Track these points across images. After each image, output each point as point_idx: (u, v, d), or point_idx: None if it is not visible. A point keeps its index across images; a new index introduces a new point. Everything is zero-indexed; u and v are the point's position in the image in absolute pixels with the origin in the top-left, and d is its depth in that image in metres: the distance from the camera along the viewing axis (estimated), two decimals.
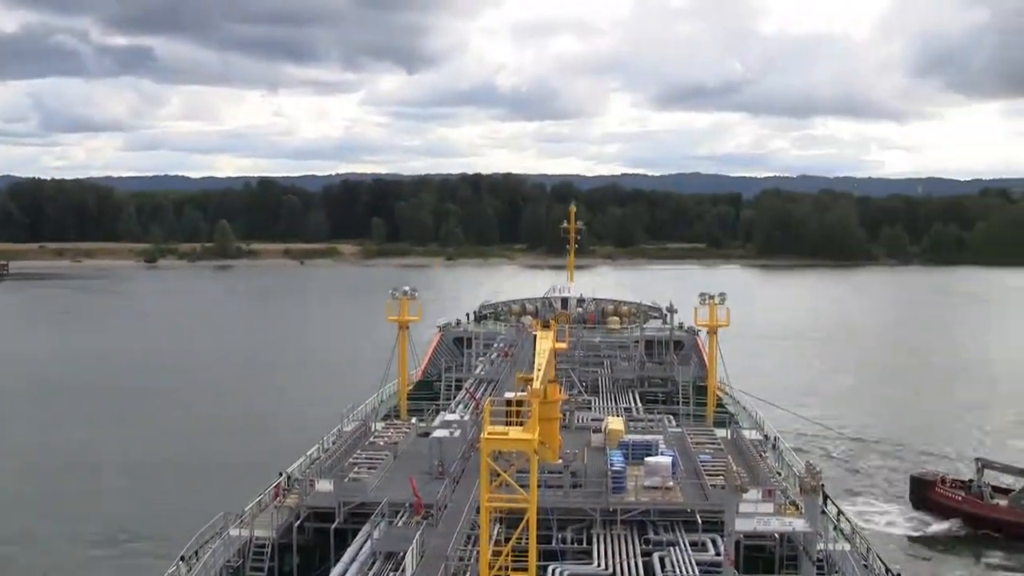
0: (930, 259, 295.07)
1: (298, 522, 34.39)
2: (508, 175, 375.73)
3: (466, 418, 47.72)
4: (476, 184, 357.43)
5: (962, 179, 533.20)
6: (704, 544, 32.41)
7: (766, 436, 48.63)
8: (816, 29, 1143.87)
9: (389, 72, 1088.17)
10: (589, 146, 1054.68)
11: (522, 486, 26.40)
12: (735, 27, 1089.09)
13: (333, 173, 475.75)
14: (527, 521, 26.27)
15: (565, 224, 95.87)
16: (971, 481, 56.67)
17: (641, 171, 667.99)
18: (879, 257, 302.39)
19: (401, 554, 29.80)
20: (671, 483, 36.45)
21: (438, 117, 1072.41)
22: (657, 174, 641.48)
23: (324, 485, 35.73)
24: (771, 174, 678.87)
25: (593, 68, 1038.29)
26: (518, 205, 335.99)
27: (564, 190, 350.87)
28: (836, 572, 30.91)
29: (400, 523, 33.41)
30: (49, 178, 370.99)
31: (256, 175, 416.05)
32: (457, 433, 43.21)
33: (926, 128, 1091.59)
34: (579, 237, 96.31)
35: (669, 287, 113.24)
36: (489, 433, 26.06)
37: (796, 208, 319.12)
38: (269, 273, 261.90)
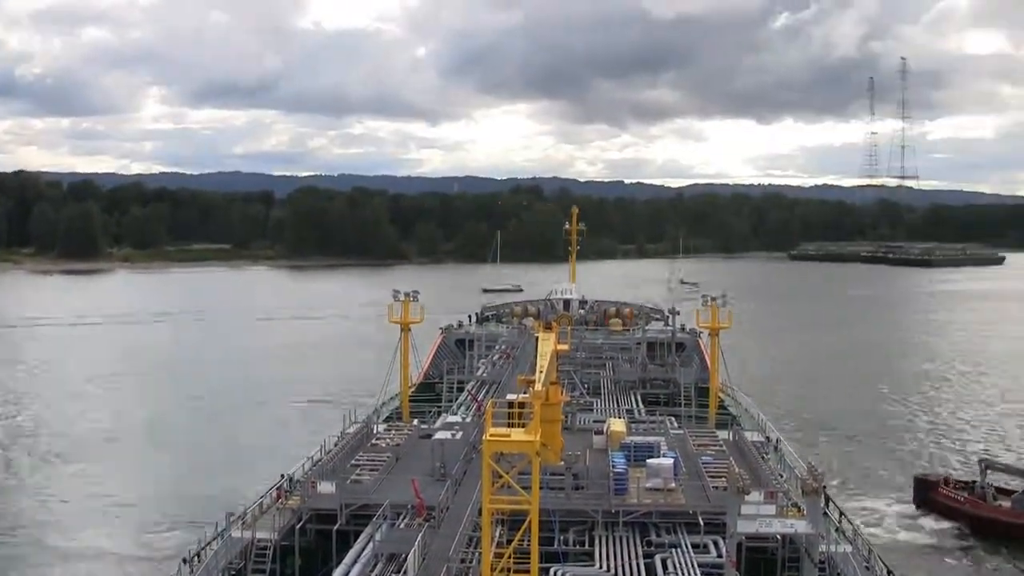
0: (463, 257, 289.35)
1: (300, 524, 34.33)
2: (20, 172, 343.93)
3: (468, 420, 47.76)
4: None
5: (499, 178, 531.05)
6: (706, 546, 32.34)
7: (768, 438, 48.57)
8: (351, 25, 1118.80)
9: None
10: (125, 143, 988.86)
11: (524, 488, 26.41)
12: (271, 21, 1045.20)
13: None
14: (529, 523, 26.27)
15: (567, 226, 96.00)
16: (974, 482, 56.57)
17: (179, 170, 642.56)
18: (410, 255, 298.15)
19: (403, 556, 29.78)
20: (673, 485, 36.45)
21: None
22: (196, 172, 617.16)
23: (326, 487, 35.73)
24: (312, 172, 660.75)
25: (126, 61, 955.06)
26: (30, 205, 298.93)
27: (83, 189, 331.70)
28: (838, 574, 30.87)
29: (402, 525, 33.35)
30: None
31: None
32: (459, 435, 43.31)
33: (460, 128, 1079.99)
34: (580, 239, 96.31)
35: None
36: (491, 435, 26.08)
37: (329, 207, 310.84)
38: None
